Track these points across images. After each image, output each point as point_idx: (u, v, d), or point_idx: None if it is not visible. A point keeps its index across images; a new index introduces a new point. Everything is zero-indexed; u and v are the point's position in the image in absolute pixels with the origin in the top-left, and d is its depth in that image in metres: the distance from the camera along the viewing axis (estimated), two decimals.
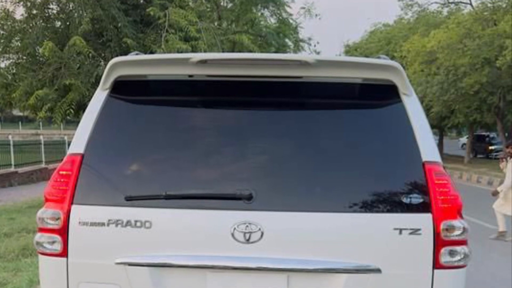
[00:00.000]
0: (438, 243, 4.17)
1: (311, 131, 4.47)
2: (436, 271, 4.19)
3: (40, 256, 4.46)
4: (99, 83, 4.66)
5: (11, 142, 29.60)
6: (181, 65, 4.57)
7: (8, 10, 18.68)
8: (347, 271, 4.17)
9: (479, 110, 42.49)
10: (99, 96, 4.59)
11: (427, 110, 42.14)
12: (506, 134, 44.26)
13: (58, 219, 4.28)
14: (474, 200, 20.33)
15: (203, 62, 4.46)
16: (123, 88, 4.61)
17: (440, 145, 50.48)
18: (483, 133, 60.82)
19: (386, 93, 4.53)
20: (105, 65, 4.48)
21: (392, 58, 36.29)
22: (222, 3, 32.82)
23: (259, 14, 34.30)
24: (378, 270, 4.16)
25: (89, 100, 4.70)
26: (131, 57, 4.65)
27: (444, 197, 4.20)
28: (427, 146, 4.34)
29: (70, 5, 18.56)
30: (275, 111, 4.67)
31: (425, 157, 4.28)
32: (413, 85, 42.10)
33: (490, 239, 14.54)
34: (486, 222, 16.57)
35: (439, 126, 53.31)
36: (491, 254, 12.98)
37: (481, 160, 50.21)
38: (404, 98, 4.50)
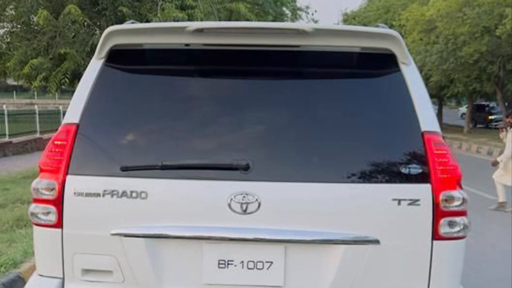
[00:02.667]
0: (437, 214, 4.14)
1: (309, 101, 4.43)
2: (435, 242, 4.18)
3: (34, 227, 4.43)
4: (94, 52, 4.61)
5: (5, 112, 29.58)
6: (177, 34, 4.49)
7: None
8: (345, 242, 4.16)
9: (478, 79, 42.67)
10: (95, 65, 4.54)
11: (426, 79, 42.47)
12: (506, 104, 44.39)
13: (53, 189, 4.25)
14: (474, 171, 20.48)
15: (200, 31, 4.39)
16: (119, 57, 4.55)
17: (439, 115, 50.74)
18: (483, 103, 61.16)
19: (385, 62, 4.49)
20: (101, 34, 4.45)
21: (391, 27, 36.22)
22: None
23: None
24: (376, 241, 4.13)
25: (84, 69, 4.67)
26: (127, 25, 4.58)
27: (443, 168, 4.17)
28: (426, 116, 4.30)
29: None
30: (272, 80, 4.62)
31: (424, 127, 4.24)
32: (412, 54, 42.25)
33: (490, 209, 14.59)
34: (486, 192, 16.67)
35: (438, 96, 53.52)
36: (491, 225, 13.04)
37: (480, 130, 50.59)
38: (402, 67, 4.46)
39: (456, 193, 4.16)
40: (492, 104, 59.24)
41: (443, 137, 4.37)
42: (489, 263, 9.98)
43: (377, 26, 4.91)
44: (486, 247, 10.92)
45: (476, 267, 9.46)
